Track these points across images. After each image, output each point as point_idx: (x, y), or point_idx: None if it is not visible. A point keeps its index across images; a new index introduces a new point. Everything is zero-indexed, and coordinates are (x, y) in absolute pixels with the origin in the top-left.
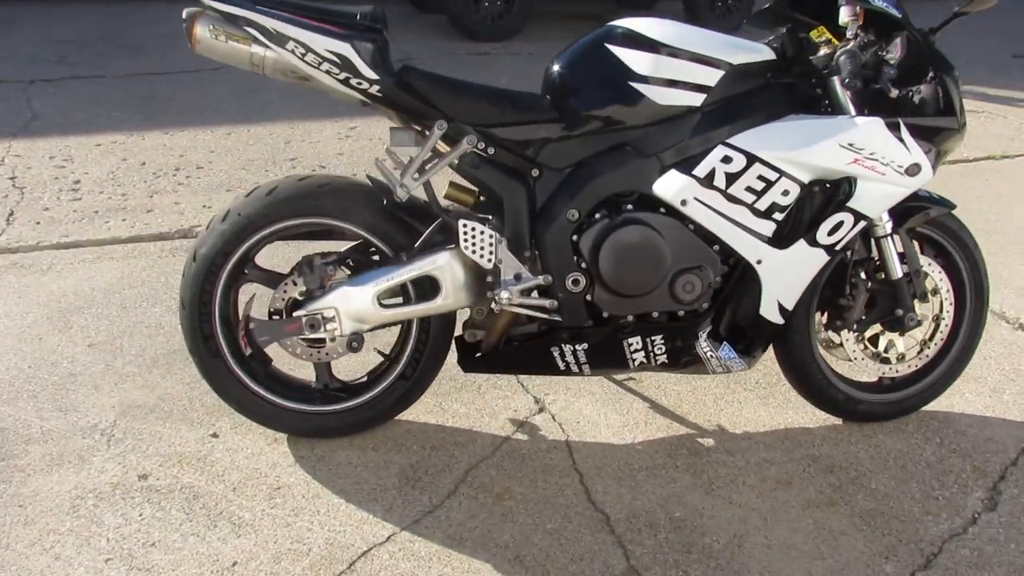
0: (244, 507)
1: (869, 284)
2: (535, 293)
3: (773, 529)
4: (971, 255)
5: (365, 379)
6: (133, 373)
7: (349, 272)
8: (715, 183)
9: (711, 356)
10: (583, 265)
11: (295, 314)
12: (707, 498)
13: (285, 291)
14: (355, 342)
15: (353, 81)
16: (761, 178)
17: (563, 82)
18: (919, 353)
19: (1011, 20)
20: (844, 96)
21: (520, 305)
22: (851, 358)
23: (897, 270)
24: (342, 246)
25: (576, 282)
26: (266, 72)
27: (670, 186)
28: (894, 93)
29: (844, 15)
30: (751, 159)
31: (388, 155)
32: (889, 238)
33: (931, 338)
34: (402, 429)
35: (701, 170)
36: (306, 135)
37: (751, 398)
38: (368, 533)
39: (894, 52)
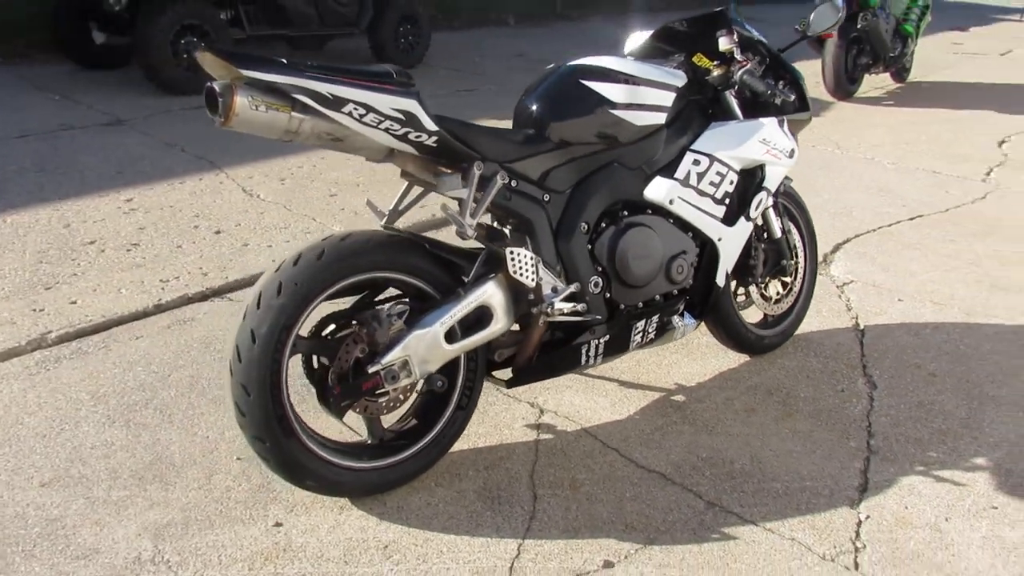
0: (369, 573)
1: (763, 245)
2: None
3: (770, 444)
4: (805, 214)
5: (414, 421)
6: (126, 497)
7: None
8: (690, 182)
9: (680, 325)
10: (599, 268)
11: (370, 370)
12: (713, 437)
13: (348, 352)
14: (440, 382)
15: (412, 135)
16: (718, 173)
17: (549, 117)
18: (789, 292)
19: None
20: (734, 104)
21: (566, 313)
22: (755, 304)
23: (777, 231)
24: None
25: (596, 284)
26: (301, 138)
27: (659, 190)
28: (791, 97)
29: (725, 43)
30: (712, 159)
31: (368, 207)
32: (771, 207)
33: (794, 279)
34: (445, 462)
35: (680, 173)
36: (82, 215)
37: (680, 357)
38: (499, 552)
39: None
